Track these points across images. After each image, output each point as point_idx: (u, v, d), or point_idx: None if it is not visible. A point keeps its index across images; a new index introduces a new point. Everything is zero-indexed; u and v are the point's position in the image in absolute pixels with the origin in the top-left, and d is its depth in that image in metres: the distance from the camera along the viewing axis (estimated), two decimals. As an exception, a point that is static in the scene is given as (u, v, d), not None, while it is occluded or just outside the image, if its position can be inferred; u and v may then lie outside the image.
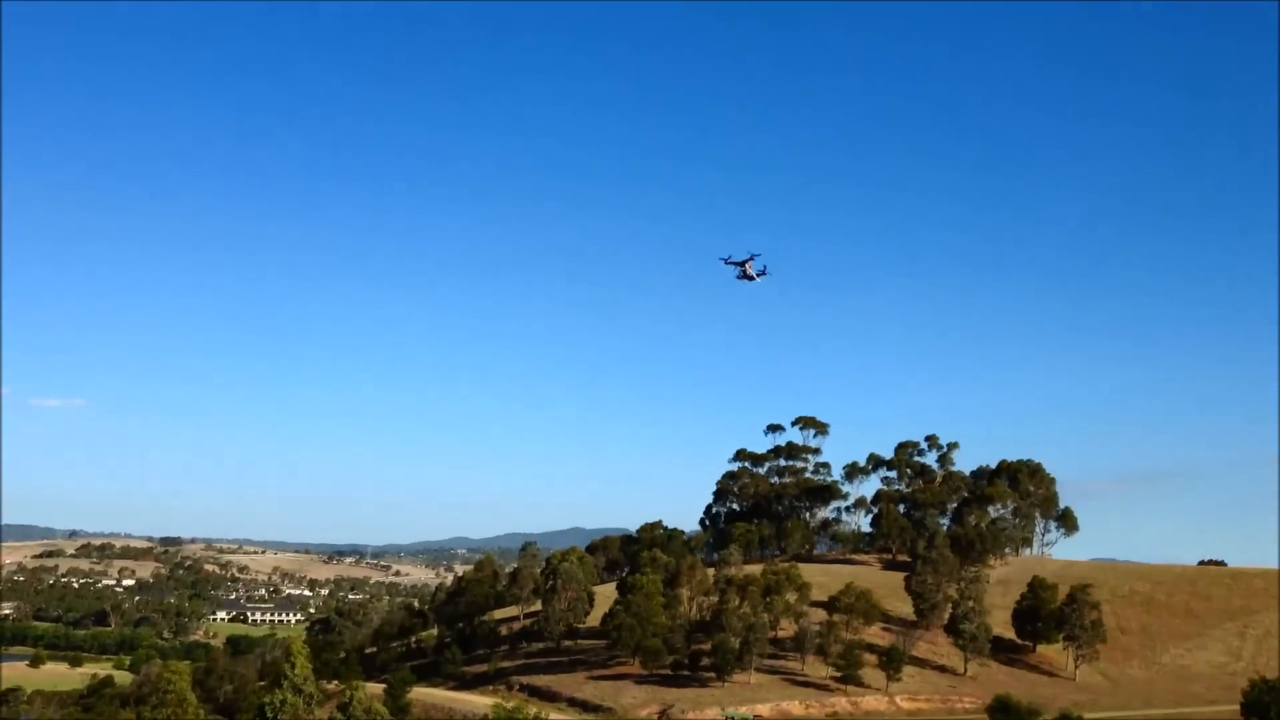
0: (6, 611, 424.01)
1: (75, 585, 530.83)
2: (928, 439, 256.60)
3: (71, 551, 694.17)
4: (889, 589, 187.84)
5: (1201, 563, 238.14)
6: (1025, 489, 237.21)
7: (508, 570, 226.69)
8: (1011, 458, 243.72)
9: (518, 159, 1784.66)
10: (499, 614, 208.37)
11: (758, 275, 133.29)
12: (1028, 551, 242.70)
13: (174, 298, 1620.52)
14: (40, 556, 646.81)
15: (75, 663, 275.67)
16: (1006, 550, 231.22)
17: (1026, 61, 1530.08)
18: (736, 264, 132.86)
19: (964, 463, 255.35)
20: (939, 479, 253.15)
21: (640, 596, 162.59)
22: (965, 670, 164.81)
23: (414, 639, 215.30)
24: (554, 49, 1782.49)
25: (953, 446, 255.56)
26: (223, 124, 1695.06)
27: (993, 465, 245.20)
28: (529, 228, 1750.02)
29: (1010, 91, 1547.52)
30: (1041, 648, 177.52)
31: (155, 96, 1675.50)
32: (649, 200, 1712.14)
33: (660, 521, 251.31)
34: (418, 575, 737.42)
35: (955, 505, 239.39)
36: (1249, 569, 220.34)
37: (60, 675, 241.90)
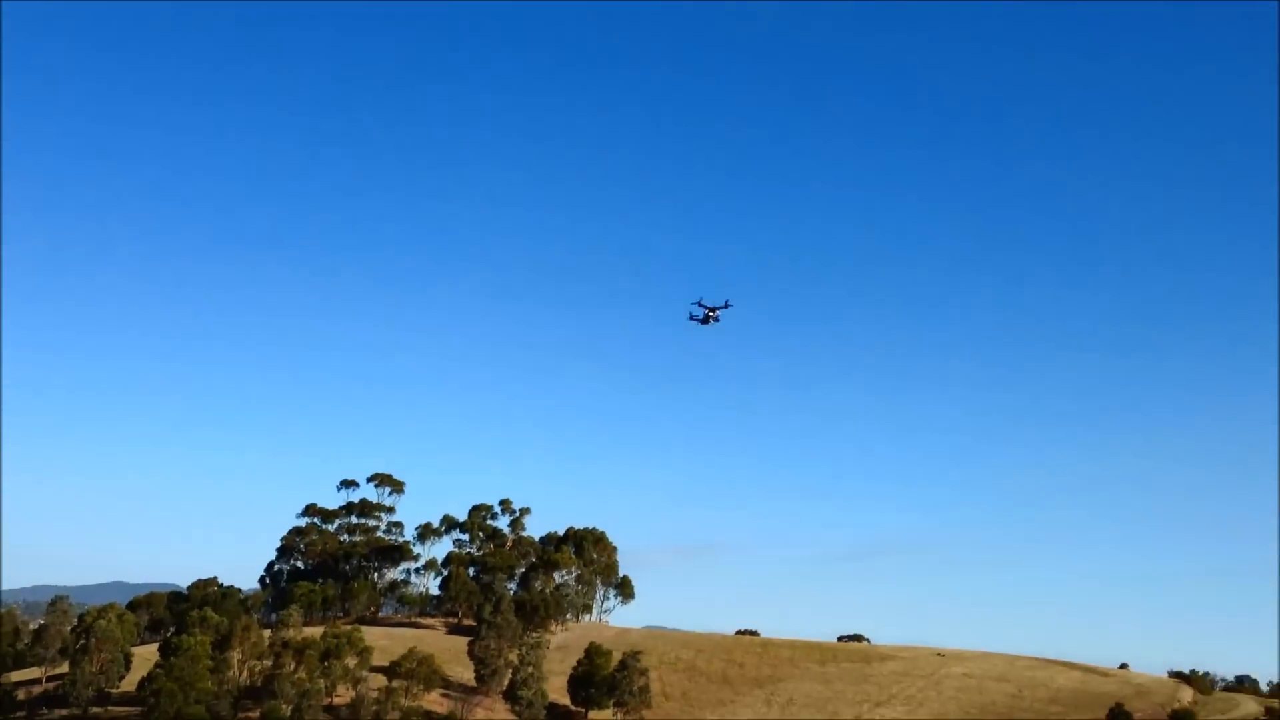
0: None
1: None
2: (501, 503, 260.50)
3: None
4: (453, 654, 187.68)
5: (738, 632, 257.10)
6: (589, 556, 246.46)
7: (32, 627, 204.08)
8: (580, 525, 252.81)
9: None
10: (17, 676, 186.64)
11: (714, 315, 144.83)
12: (588, 618, 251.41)
13: None
14: None
15: None
16: (568, 616, 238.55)
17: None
18: (705, 311, 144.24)
19: (535, 528, 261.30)
20: (510, 543, 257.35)
21: (185, 659, 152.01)
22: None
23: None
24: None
25: (524, 512, 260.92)
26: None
27: (561, 532, 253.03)
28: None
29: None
30: (594, 713, 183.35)
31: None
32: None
33: (215, 578, 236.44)
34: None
35: (523, 570, 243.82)
36: (777, 640, 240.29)
37: None
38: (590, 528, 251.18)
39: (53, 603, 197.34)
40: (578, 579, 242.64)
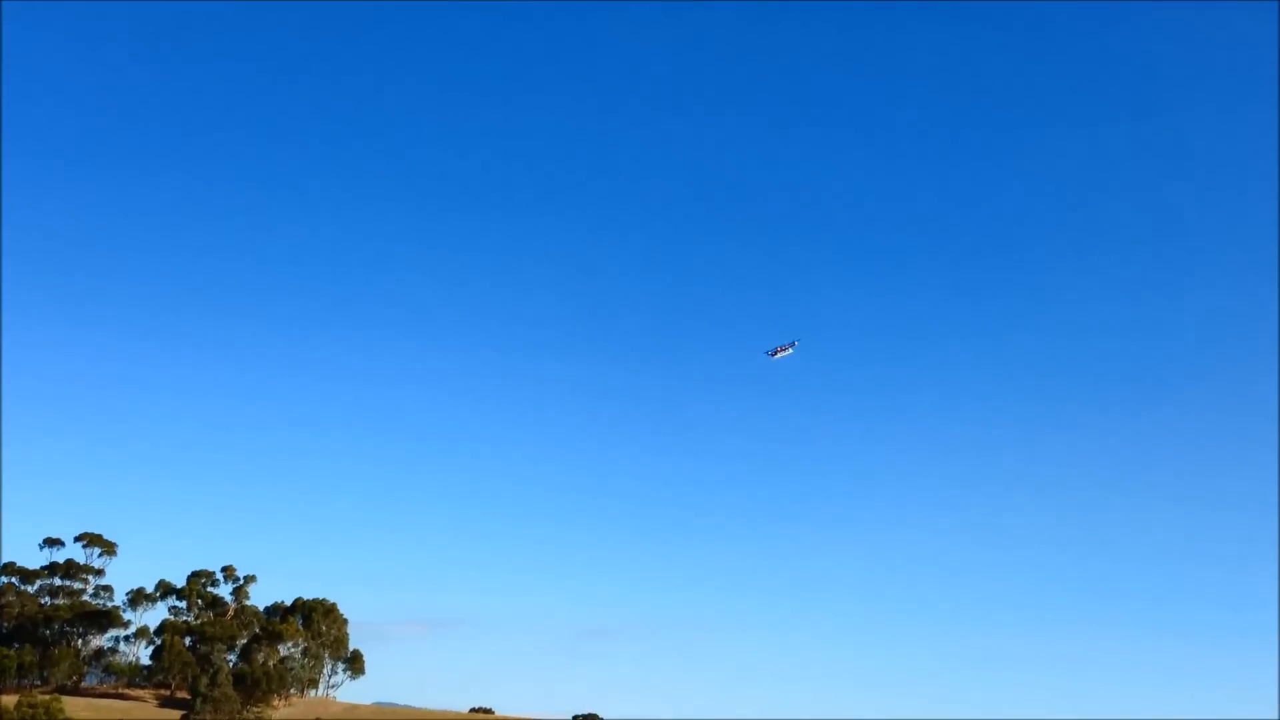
0: None
1: None
2: (224, 569, 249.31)
3: None
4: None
5: (472, 709, 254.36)
6: (318, 628, 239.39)
7: None
8: (311, 595, 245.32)
9: None
10: None
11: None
12: (314, 692, 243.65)
13: None
14: None
15: None
16: (292, 690, 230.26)
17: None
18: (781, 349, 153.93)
19: (262, 597, 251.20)
20: (231, 612, 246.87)
21: None
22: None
23: None
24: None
25: (249, 579, 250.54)
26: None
27: (289, 602, 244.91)
28: None
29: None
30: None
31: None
32: None
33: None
34: None
35: (245, 641, 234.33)
36: (511, 717, 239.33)
37: None
38: (320, 598, 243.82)
39: None
40: (304, 651, 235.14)
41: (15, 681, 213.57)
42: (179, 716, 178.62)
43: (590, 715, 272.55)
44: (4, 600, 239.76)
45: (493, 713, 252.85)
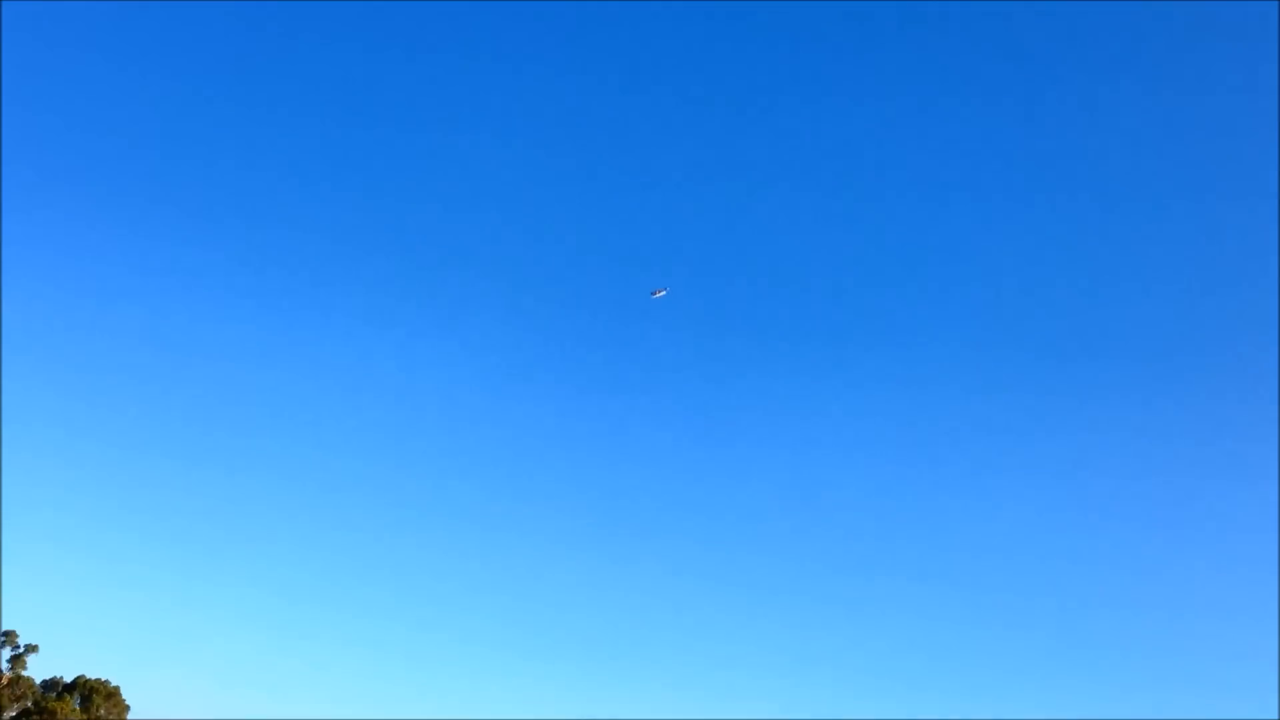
0: None
1: None
2: (5, 634, 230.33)
3: None
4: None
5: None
6: (96, 712, 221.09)
7: None
8: (95, 674, 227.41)
9: None
10: None
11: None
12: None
13: None
14: None
15: None
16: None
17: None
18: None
19: (40, 670, 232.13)
20: (5, 681, 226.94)
21: None
22: None
23: None
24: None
25: (31, 649, 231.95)
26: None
27: (69, 679, 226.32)
28: None
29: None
30: None
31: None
32: None
33: None
34: None
35: (14, 715, 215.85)
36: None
37: None
38: (104, 680, 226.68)
39: None
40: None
41: None
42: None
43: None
44: None
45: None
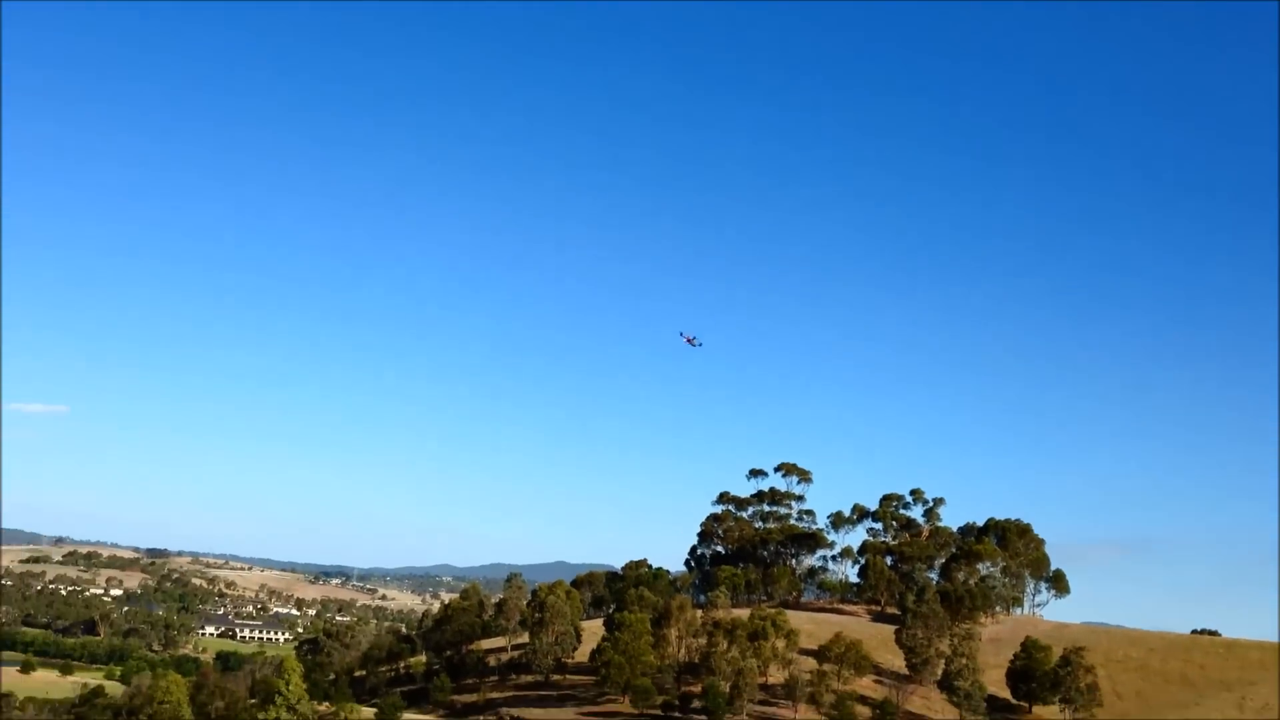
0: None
1: (63, 592, 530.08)
2: (913, 493, 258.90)
3: (58, 558, 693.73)
4: (878, 641, 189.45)
5: (1194, 632, 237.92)
6: (1015, 548, 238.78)
7: (494, 601, 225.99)
8: (998, 516, 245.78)
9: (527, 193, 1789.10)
10: (486, 644, 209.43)
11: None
12: (1018, 611, 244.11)
13: (162, 307, 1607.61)
14: (27, 562, 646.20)
15: (65, 670, 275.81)
16: (997, 609, 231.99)
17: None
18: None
19: (949, 519, 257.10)
20: (925, 533, 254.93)
21: (628, 634, 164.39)
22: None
23: (402, 664, 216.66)
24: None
25: (938, 502, 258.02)
26: (211, 124, 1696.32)
27: (980, 523, 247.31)
28: (520, 265, 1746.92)
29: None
30: (1037, 708, 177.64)
31: (146, 97, 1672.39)
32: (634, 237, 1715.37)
33: (645, 560, 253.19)
34: (403, 600, 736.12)
35: (943, 561, 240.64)
36: (1244, 640, 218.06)
37: (51, 683, 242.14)
38: (1014, 519, 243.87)
39: (509, 579, 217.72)
40: (1003, 571, 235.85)
41: (745, 597, 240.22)
42: (893, 630, 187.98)
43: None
44: (725, 526, 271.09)
45: (1219, 635, 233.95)
